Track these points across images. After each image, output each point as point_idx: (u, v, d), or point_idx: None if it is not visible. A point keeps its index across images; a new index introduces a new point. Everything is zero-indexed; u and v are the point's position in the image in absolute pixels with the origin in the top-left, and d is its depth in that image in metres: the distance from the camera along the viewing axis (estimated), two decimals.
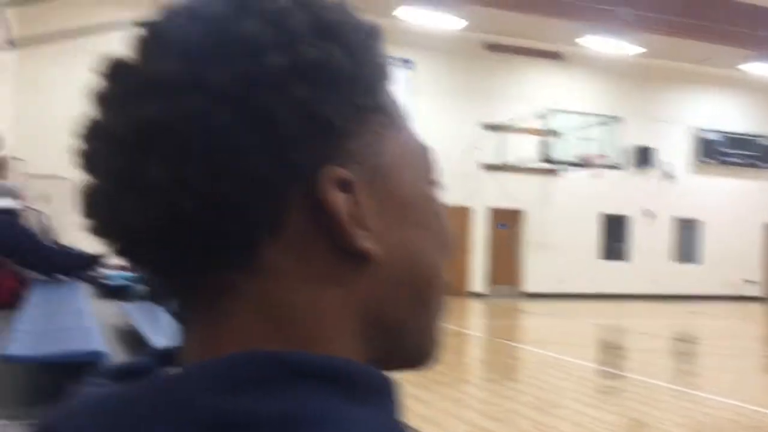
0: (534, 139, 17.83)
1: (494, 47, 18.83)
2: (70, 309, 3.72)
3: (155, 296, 7.16)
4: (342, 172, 0.44)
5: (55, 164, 13.25)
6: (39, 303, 3.90)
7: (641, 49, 18.06)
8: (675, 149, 20.87)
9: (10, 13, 10.49)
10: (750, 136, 21.55)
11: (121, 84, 0.45)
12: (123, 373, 0.48)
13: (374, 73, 0.48)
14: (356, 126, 0.46)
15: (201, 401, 0.39)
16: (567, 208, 19.35)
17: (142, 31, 0.46)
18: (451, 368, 7.80)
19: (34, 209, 7.09)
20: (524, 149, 18.06)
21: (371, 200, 0.46)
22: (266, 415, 0.39)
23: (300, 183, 0.43)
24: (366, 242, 0.45)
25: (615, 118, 18.09)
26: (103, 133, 0.45)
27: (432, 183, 0.52)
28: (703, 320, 16.08)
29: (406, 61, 16.30)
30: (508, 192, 18.90)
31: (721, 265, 20.85)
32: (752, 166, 21.55)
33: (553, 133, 17.84)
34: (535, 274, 19.16)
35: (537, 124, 17.81)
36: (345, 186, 0.45)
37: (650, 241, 20.43)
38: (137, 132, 0.42)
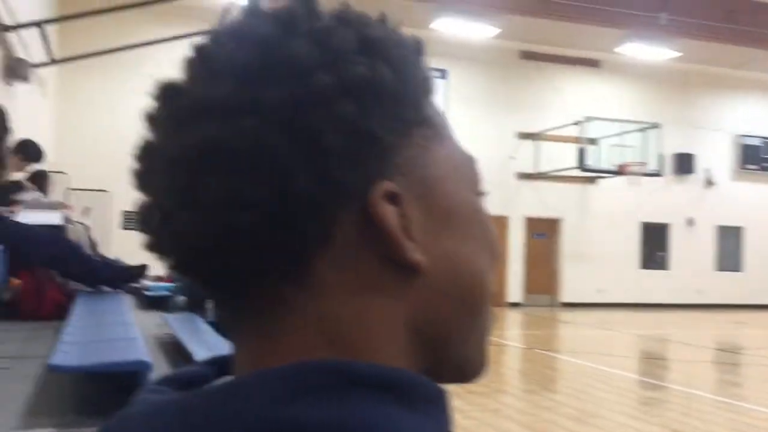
0: (571, 148, 17.67)
1: (529, 55, 18.74)
2: (114, 320, 3.79)
3: (195, 307, 7.26)
4: (390, 185, 0.45)
5: (95, 178, 13.51)
6: (84, 314, 3.98)
7: (679, 55, 17.83)
8: (715, 155, 20.53)
9: (50, 29, 10.73)
10: None
11: (174, 107, 0.46)
12: (180, 381, 0.50)
13: (418, 87, 0.49)
14: (402, 140, 0.47)
15: (257, 409, 0.40)
16: (605, 216, 19.13)
17: (191, 55, 0.48)
18: (488, 378, 7.74)
19: (77, 222, 7.23)
20: (561, 158, 17.91)
21: (418, 212, 0.47)
22: (322, 423, 0.39)
23: (349, 198, 0.44)
24: (415, 254, 0.46)
25: (653, 125, 17.84)
26: (158, 153, 0.46)
27: (478, 193, 0.53)
28: (746, 330, 15.73)
29: (440, 71, 16.31)
30: (545, 201, 18.75)
31: (764, 273, 20.41)
32: None
33: (590, 140, 17.67)
34: (572, 284, 18.96)
35: (573, 132, 17.66)
36: (393, 199, 0.45)
37: (691, 249, 20.09)
38: (193, 153, 0.44)
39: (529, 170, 18.60)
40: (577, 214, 19.12)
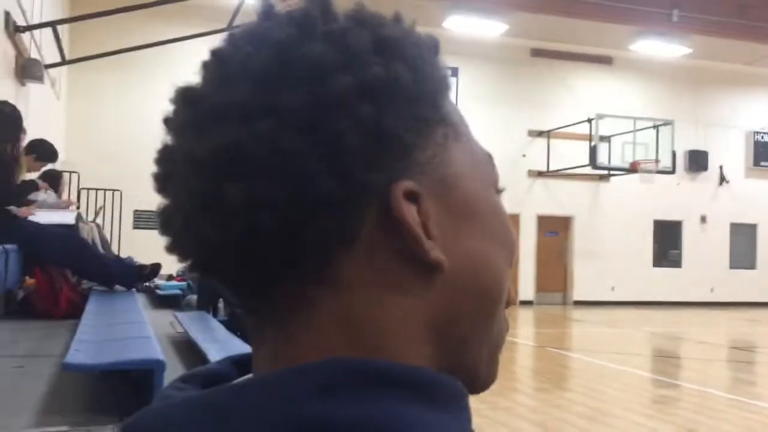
0: (583, 145, 17.61)
1: (541, 53, 18.69)
2: (128, 318, 3.81)
3: (206, 306, 7.28)
4: (410, 185, 0.45)
5: (107, 177, 13.58)
6: (98, 313, 4.00)
7: (691, 51, 17.73)
8: (729, 152, 20.41)
9: (63, 30, 10.80)
10: None
11: (192, 111, 0.46)
12: (203, 379, 0.50)
13: (436, 86, 0.49)
14: (421, 138, 0.47)
15: (283, 406, 0.41)
16: (617, 214, 19.06)
17: (208, 58, 0.48)
18: (500, 377, 7.67)
19: (90, 221, 7.28)
20: (573, 155, 17.86)
21: (438, 210, 0.47)
22: (348, 421, 0.40)
23: (370, 198, 0.45)
24: (436, 252, 0.46)
25: (666, 122, 17.75)
26: (178, 157, 0.47)
27: (496, 190, 0.53)
28: (760, 327, 15.64)
29: (452, 70, 16.29)
30: (557, 199, 18.70)
31: None
32: None
33: (602, 138, 17.60)
34: (584, 282, 18.91)
35: (585, 130, 17.60)
36: (413, 197, 0.45)
37: (704, 247, 19.99)
38: (214, 156, 0.44)
39: (541, 168, 18.55)
40: (589, 212, 19.05)
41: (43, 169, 6.31)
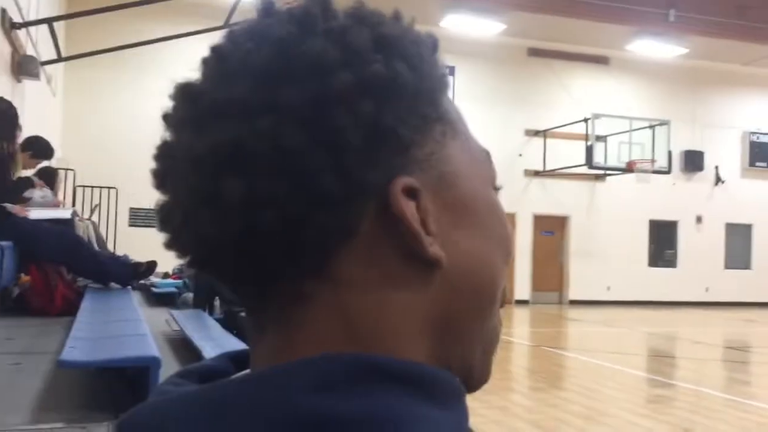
0: (579, 145, 17.64)
1: (537, 52, 18.71)
2: (123, 316, 3.81)
3: (202, 303, 7.28)
4: (410, 181, 0.46)
5: (103, 174, 13.56)
6: (93, 310, 4.00)
7: (688, 51, 17.76)
8: (725, 153, 20.46)
9: (59, 27, 10.78)
10: None
11: (192, 107, 0.46)
12: (200, 374, 0.50)
13: (434, 84, 0.49)
14: (420, 136, 0.47)
15: (281, 401, 0.41)
16: (613, 214, 19.09)
17: (208, 55, 0.48)
18: (495, 376, 7.69)
19: (85, 219, 7.27)
20: (569, 155, 17.88)
21: (436, 207, 0.47)
22: (347, 416, 0.40)
23: (369, 194, 0.45)
24: (434, 248, 0.46)
25: (662, 122, 17.77)
26: (177, 153, 0.47)
27: (494, 188, 0.53)
28: (755, 327, 15.69)
29: (449, 68, 16.32)
30: (553, 198, 18.73)
31: None
32: None
33: (599, 138, 17.62)
34: (580, 281, 18.94)
35: (582, 129, 17.62)
36: (412, 194, 0.46)
37: (700, 247, 20.03)
38: (213, 153, 0.44)
39: (537, 167, 18.58)
40: (585, 212, 19.08)
41: (39, 166, 6.30)
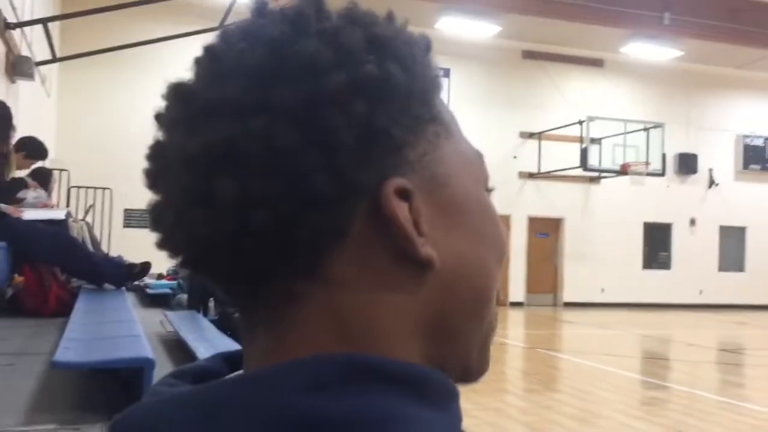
0: (573, 147, 17.67)
1: (532, 55, 18.74)
2: (117, 317, 3.80)
3: (196, 305, 7.26)
4: (402, 182, 0.46)
5: (97, 175, 13.52)
6: (87, 311, 3.98)
7: (682, 54, 17.81)
8: (718, 155, 20.52)
9: (54, 27, 10.76)
10: None
11: (185, 107, 0.46)
12: (193, 375, 0.50)
13: (428, 85, 0.50)
14: (413, 137, 0.47)
15: (274, 401, 0.41)
16: (607, 216, 19.13)
17: (201, 55, 0.48)
18: (490, 377, 7.71)
19: (80, 219, 7.25)
20: (563, 157, 17.91)
21: (429, 208, 0.47)
22: (339, 416, 0.40)
23: (362, 195, 0.45)
24: (426, 249, 0.46)
25: (657, 125, 17.82)
26: (170, 153, 0.46)
27: (486, 189, 0.53)
28: (749, 330, 15.73)
29: (443, 71, 16.32)
30: (548, 200, 18.76)
31: (767, 274, 20.40)
32: None
33: (593, 140, 17.66)
34: (574, 284, 18.96)
35: (576, 132, 17.66)
36: (404, 195, 0.46)
37: (694, 249, 20.08)
38: (206, 152, 0.44)
39: (532, 169, 18.60)
40: (579, 214, 19.11)
41: (33, 166, 6.28)
